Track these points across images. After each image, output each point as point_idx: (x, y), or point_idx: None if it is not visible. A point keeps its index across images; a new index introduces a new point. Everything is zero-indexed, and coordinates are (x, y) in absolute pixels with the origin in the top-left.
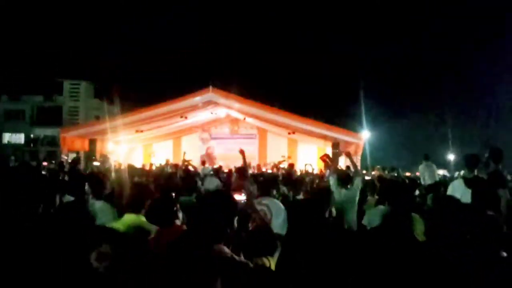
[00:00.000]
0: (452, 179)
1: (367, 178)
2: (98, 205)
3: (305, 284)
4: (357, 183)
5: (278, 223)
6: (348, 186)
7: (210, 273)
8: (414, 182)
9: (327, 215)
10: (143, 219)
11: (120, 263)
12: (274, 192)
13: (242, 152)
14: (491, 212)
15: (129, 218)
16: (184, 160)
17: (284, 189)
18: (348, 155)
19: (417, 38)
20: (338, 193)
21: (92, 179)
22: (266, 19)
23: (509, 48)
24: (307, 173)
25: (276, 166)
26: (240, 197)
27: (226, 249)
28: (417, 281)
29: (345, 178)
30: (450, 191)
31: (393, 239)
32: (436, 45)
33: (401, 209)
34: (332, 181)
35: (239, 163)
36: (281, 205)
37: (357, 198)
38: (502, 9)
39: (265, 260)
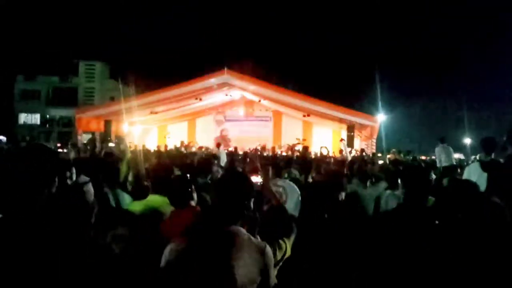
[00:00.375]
0: (468, 162)
1: (380, 162)
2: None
3: (317, 265)
4: (383, 185)
5: (293, 204)
6: (368, 184)
7: (227, 253)
8: (430, 165)
9: (340, 198)
10: (167, 200)
11: (134, 245)
12: (286, 175)
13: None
14: (497, 200)
15: (153, 199)
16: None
17: (296, 172)
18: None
19: (435, 19)
20: (362, 192)
21: (106, 167)
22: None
23: None
24: (322, 156)
25: (291, 148)
26: (256, 178)
27: (243, 230)
28: (438, 265)
29: (363, 176)
30: (466, 174)
31: (410, 223)
32: (454, 26)
33: (418, 193)
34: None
35: (253, 145)
36: (295, 187)
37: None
38: None
39: (281, 242)
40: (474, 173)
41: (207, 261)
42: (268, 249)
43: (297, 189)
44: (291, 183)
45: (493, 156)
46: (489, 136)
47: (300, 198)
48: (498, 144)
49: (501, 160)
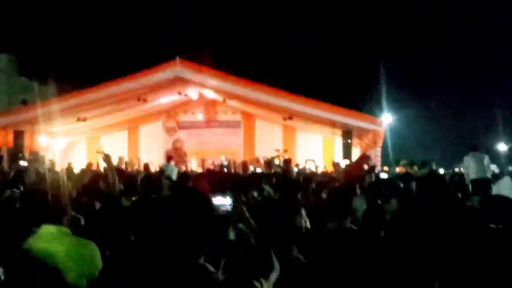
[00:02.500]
0: (503, 175)
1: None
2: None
3: None
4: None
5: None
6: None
7: None
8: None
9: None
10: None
11: None
12: (255, 193)
13: None
14: None
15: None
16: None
17: (268, 189)
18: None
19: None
20: None
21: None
22: None
23: None
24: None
25: (268, 163)
26: (223, 200)
27: (210, 268)
28: None
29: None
30: (495, 190)
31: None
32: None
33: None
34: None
35: (217, 159)
36: None
37: None
38: None
39: (256, 283)
40: (504, 189)
41: None
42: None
43: None
44: None
45: None
46: None
47: None
48: None
49: None
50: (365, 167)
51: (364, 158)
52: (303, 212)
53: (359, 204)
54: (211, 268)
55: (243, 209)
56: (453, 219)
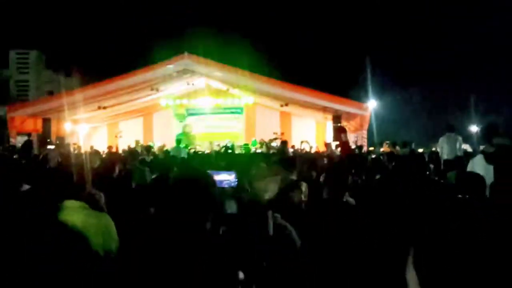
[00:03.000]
0: (475, 154)
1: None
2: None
3: None
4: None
5: None
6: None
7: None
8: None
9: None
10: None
11: None
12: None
13: None
14: None
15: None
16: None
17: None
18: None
19: None
20: None
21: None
22: None
23: None
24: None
25: (266, 144)
26: (228, 176)
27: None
28: None
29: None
30: (469, 168)
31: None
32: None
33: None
34: None
35: (222, 142)
36: None
37: None
38: None
39: None
40: (478, 166)
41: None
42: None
43: None
44: None
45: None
46: (493, 122)
47: None
48: (500, 131)
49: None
50: (343, 136)
51: (339, 129)
52: (304, 187)
53: None
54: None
55: (245, 183)
56: (428, 191)
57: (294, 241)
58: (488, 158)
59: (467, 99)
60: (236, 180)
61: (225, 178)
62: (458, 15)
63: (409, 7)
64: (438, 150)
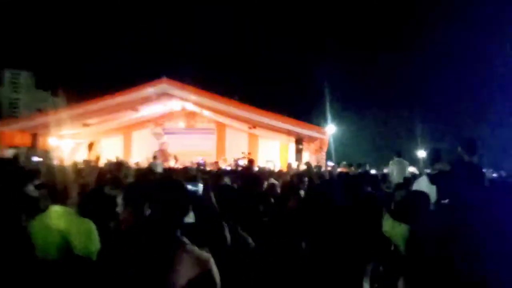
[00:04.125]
0: (421, 175)
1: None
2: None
3: None
4: None
5: None
6: None
7: (164, 263)
8: (379, 178)
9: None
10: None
11: None
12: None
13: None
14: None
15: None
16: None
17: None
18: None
19: (384, 31)
20: None
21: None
22: (223, 7)
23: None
24: (268, 170)
25: (235, 162)
26: (195, 187)
27: (185, 240)
28: None
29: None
30: (415, 187)
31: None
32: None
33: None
34: None
35: (195, 160)
36: None
37: None
38: None
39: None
40: (422, 187)
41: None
42: (212, 263)
43: None
44: None
45: (441, 167)
46: (436, 147)
47: None
48: (441, 156)
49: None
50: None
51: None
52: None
53: None
54: (186, 240)
55: (210, 193)
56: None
57: (249, 247)
58: (431, 180)
59: (416, 126)
60: (203, 189)
61: (192, 188)
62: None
63: (364, 39)
64: (389, 172)
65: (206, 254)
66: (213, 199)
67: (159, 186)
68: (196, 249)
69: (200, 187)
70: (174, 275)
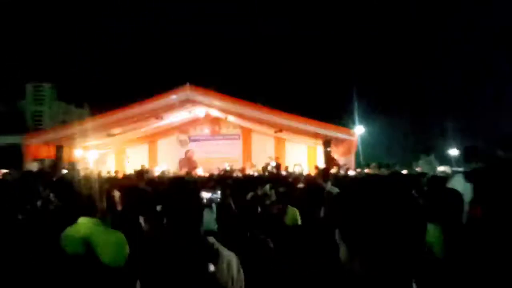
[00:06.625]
0: (453, 174)
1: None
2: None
3: None
4: None
5: None
6: None
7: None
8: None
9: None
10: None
11: None
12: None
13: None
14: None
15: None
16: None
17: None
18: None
19: (414, 28)
20: None
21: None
22: (247, 10)
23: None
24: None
25: (264, 168)
26: (214, 194)
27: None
28: None
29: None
30: (449, 186)
31: None
32: (435, 31)
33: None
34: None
35: (221, 166)
36: None
37: None
38: None
39: None
40: (458, 185)
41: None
42: (235, 261)
43: None
44: None
45: (475, 165)
46: (472, 145)
47: None
48: (479, 152)
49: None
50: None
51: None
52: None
53: None
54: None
55: (228, 198)
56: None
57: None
58: (467, 177)
59: (447, 126)
60: (220, 196)
61: (212, 196)
62: (441, 48)
63: (394, 42)
64: (419, 170)
65: (232, 254)
66: (233, 206)
67: (168, 194)
68: (225, 249)
69: (219, 194)
70: (211, 276)
